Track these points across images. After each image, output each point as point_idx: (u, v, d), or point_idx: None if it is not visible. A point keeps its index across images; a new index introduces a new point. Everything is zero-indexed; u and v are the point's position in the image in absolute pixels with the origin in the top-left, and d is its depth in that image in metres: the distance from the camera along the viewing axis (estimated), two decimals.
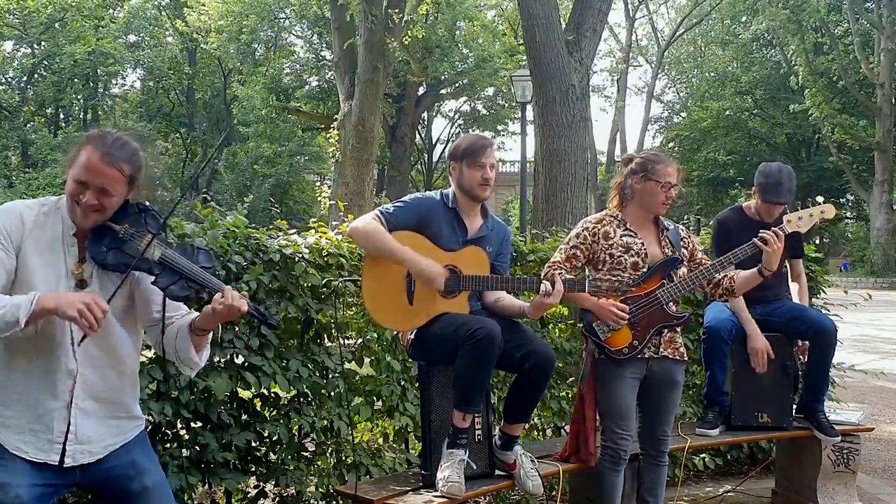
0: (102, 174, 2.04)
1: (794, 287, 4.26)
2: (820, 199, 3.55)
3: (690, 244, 3.44)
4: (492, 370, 3.02)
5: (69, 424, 2.08)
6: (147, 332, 2.30)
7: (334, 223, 3.75)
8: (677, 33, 36.08)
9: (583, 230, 3.36)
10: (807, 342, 4.09)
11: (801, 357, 4.15)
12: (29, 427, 2.06)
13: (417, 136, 31.31)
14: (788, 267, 4.28)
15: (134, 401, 2.27)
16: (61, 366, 2.07)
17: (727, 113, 32.80)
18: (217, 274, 2.26)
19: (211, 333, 2.24)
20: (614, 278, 3.14)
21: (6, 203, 2.11)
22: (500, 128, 32.63)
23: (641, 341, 3.27)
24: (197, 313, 2.23)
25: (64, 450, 2.08)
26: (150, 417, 2.93)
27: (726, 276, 3.34)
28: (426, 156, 35.01)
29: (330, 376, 3.51)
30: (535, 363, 2.97)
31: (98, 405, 2.14)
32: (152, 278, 2.11)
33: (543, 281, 2.99)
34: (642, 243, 3.30)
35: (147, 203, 2.18)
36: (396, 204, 3.11)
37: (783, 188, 3.93)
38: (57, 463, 2.07)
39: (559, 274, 3.10)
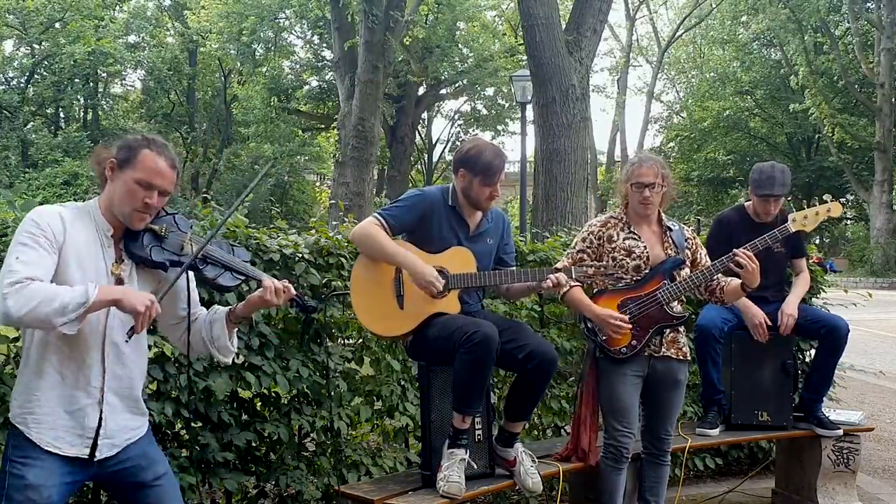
0: (169, 177, 2.17)
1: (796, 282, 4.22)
2: (827, 197, 3.58)
3: (694, 245, 3.47)
4: (490, 373, 3.02)
5: (101, 419, 2.14)
6: (167, 330, 2.39)
7: (334, 223, 3.75)
8: (677, 33, 36.01)
9: (588, 234, 3.41)
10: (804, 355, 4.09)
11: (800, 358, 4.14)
12: (62, 423, 2.11)
13: (417, 136, 31.26)
14: (791, 266, 4.25)
15: (141, 396, 2.34)
16: (93, 362, 2.13)
17: (727, 113, 32.72)
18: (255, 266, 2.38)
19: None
20: (601, 264, 3.20)
21: (43, 206, 2.15)
22: (500, 128, 32.54)
23: (641, 341, 3.29)
24: (220, 307, 2.36)
25: (95, 444, 2.14)
26: (151, 417, 2.91)
27: (720, 284, 3.37)
28: (426, 156, 34.95)
29: (330, 376, 3.51)
30: (538, 363, 2.96)
31: (121, 400, 2.21)
32: (192, 273, 2.22)
33: (549, 276, 3.02)
34: (645, 246, 3.34)
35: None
36: (396, 203, 3.08)
37: (776, 181, 3.91)
38: (87, 456, 2.13)
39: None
